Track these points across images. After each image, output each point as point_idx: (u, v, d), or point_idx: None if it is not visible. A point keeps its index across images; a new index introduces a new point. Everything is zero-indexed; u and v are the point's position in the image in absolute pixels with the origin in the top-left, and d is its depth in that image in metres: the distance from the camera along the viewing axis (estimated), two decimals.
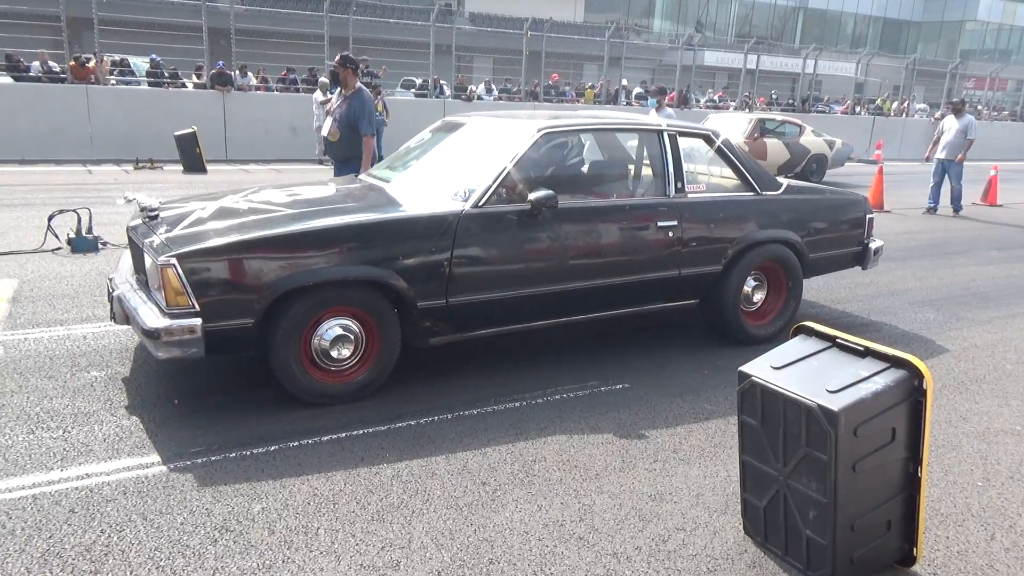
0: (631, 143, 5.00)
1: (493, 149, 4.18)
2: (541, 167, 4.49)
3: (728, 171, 4.85)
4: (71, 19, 13.85)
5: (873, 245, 5.37)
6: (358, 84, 6.25)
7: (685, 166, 4.53)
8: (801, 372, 2.50)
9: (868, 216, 5.33)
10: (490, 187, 3.90)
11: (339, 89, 6.34)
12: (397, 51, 18.41)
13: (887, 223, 10.11)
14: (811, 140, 14.57)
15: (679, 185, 4.48)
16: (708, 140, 4.78)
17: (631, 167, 4.92)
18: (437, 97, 17.72)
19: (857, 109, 25.87)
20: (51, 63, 14.66)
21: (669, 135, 4.54)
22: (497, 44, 22.83)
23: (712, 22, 42.92)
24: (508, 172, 3.96)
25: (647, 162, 4.74)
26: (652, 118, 8.55)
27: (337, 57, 6.33)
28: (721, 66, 33.16)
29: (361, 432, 3.45)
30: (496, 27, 25.18)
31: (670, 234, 4.38)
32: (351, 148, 6.19)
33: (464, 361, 4.35)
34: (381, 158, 14.45)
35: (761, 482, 2.60)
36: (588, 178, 4.95)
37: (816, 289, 6.33)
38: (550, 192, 3.88)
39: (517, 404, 3.83)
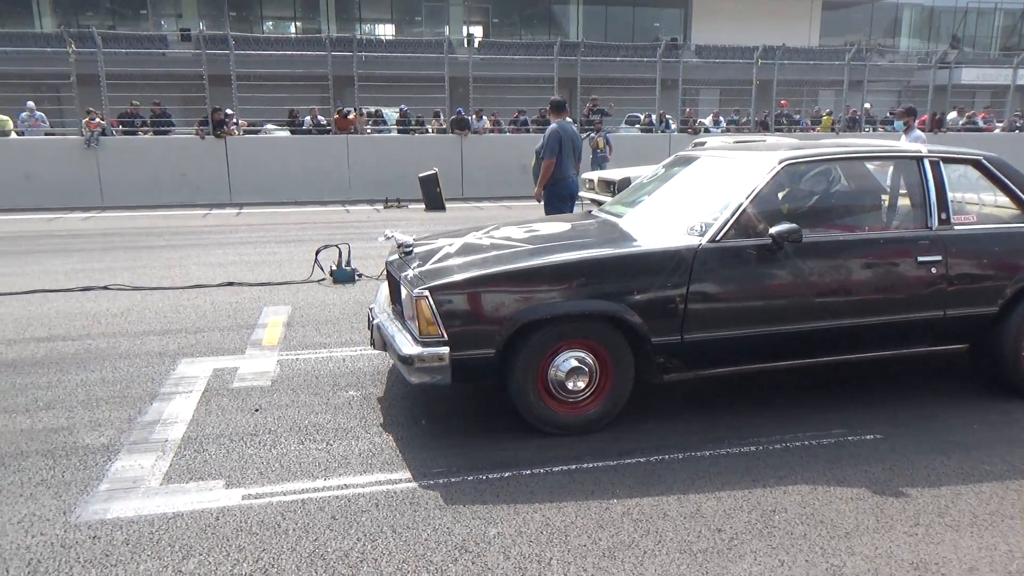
0: (884, 172, 4.61)
1: (730, 182, 4.06)
2: (782, 199, 4.27)
3: (1005, 199, 4.29)
4: (336, 78, 15.77)
5: None
6: (557, 120, 7.28)
7: (951, 195, 4.09)
8: None
9: None
10: (728, 221, 3.78)
11: None
12: (624, 88, 18.63)
13: None
14: None
15: (943, 216, 4.05)
16: (978, 165, 4.27)
17: (884, 197, 4.52)
18: (663, 132, 17.64)
19: None
20: (320, 117, 16.73)
21: (931, 161, 4.13)
22: (724, 75, 22.32)
23: (970, 36, 38.58)
24: (746, 205, 3.82)
25: (903, 191, 4.33)
26: (902, 143, 7.85)
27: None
28: (983, 84, 29.63)
29: (591, 465, 3.45)
30: (723, 57, 24.63)
31: (933, 270, 3.95)
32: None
33: (696, 399, 4.22)
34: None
35: None
36: (835, 210, 4.62)
37: None
38: (793, 226, 3.68)
39: (753, 448, 3.63)
